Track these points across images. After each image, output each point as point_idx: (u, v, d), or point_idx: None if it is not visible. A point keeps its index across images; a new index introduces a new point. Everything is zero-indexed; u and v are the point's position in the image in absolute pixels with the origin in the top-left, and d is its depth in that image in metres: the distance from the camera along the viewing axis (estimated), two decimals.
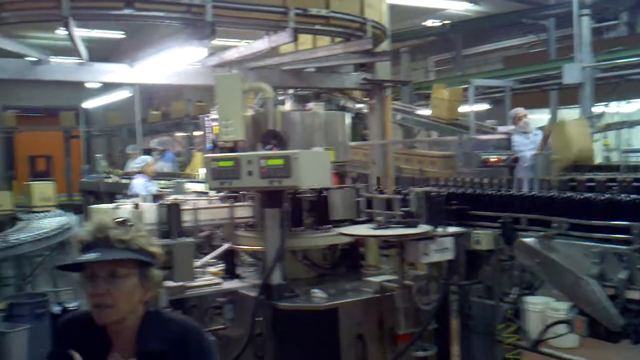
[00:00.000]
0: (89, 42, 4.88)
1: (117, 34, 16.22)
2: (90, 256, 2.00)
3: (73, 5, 4.11)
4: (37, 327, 6.79)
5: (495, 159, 8.68)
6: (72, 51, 4.85)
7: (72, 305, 7.56)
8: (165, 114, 17.35)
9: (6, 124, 18.62)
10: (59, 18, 4.16)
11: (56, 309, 7.40)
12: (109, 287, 2.00)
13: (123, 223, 2.08)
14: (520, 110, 9.84)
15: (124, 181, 11.61)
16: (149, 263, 2.07)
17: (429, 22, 16.45)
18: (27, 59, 5.11)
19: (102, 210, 4.66)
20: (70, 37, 4.44)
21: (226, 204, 4.85)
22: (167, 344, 2.05)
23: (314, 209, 4.77)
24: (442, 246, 4.04)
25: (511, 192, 4.17)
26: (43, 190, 9.46)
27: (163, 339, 2.07)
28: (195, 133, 15.32)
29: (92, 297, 2.01)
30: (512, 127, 9.67)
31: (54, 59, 5.00)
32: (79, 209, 11.99)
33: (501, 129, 10.39)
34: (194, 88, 13.18)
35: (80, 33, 4.64)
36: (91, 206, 5.12)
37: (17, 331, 6.51)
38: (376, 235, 4.19)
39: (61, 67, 5.03)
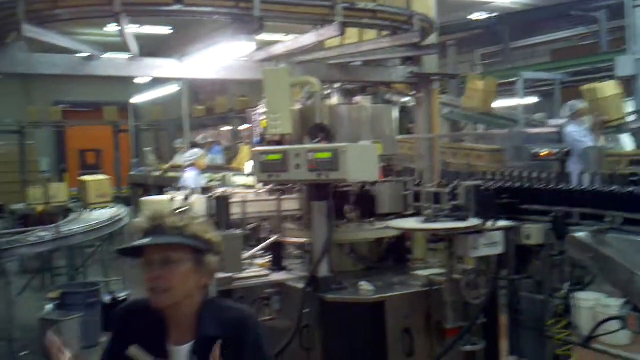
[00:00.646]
0: (137, 38, 4.97)
1: (165, 30, 16.43)
2: (143, 241, 2.09)
3: (124, 1, 4.18)
4: (89, 315, 7.00)
5: (546, 152, 8.50)
6: (120, 47, 4.94)
7: (122, 294, 7.76)
8: (209, 108, 17.53)
9: (56, 118, 19.09)
10: (110, 14, 4.24)
11: (106, 298, 7.60)
12: (163, 272, 2.07)
13: (179, 211, 2.14)
14: (581, 105, 9.55)
15: (171, 174, 11.80)
16: (203, 250, 2.11)
17: (476, 15, 16.22)
18: (78, 54, 5.23)
19: (153, 202, 4.74)
20: (122, 33, 4.53)
21: (274, 197, 4.89)
22: (225, 329, 2.10)
23: (361, 202, 4.77)
24: (491, 240, 3.99)
25: (562, 186, 4.10)
26: (99, 186, 9.41)
27: (221, 324, 2.13)
28: (241, 127, 15.45)
29: (148, 281, 2.09)
30: (564, 120, 9.46)
31: (106, 55, 5.11)
32: (128, 202, 12.24)
33: (552, 122, 10.18)
34: (239, 83, 13.28)
35: (129, 29, 4.71)
36: (142, 198, 5.22)
37: (70, 319, 6.71)
38: (425, 228, 4.16)
39: (113, 62, 5.14)
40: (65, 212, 9.88)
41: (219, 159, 12.81)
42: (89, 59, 4.94)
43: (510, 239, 4.14)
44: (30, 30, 4.26)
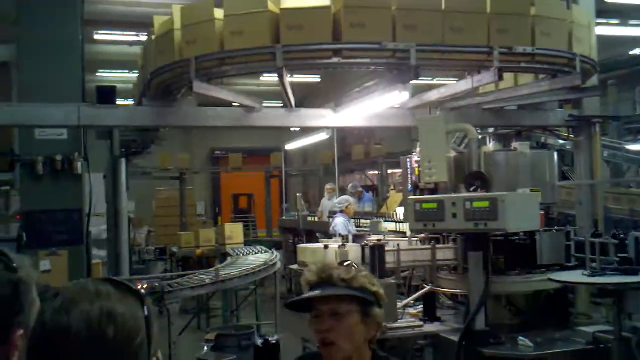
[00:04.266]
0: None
1: (314, 78, 16.99)
2: (313, 293, 2.12)
3: (286, 57, 4.36)
4: (243, 358, 7.18)
5: None
6: (274, 95, 5.11)
7: (274, 338, 7.91)
8: (346, 154, 17.76)
9: (212, 164, 20.20)
10: (273, 69, 4.44)
11: (259, 341, 7.77)
12: (332, 324, 2.08)
13: (345, 264, 2.17)
14: None
15: (311, 219, 12.01)
16: (370, 301, 2.11)
17: (638, 51, 15.36)
18: (234, 105, 5.50)
19: (310, 250, 4.84)
20: (283, 86, 4.72)
21: (428, 246, 4.83)
22: None
23: (520, 253, 4.60)
24: None
25: None
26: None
27: None
28: (390, 171, 15.51)
29: (317, 333, 2.11)
30: None
31: (265, 105, 5.34)
32: (279, 246, 12.55)
33: None
34: (386, 128, 13.36)
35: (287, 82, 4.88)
36: (299, 245, 5.35)
37: None
38: (591, 283, 3.94)
39: (272, 113, 5.36)
40: (223, 255, 10.30)
41: (368, 206, 12.88)
42: (250, 110, 5.18)
43: None
44: (201, 87, 4.56)
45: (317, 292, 2.10)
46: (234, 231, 10.96)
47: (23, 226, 7.74)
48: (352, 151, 17.37)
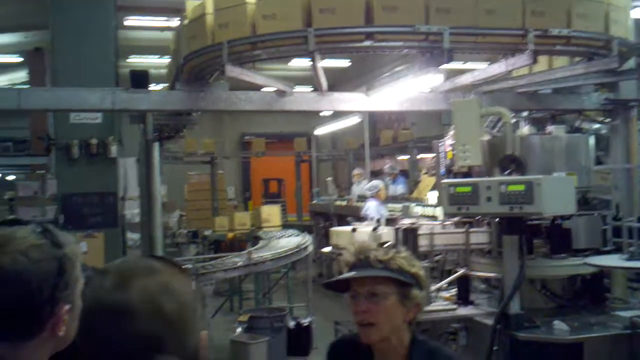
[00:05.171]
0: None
1: (344, 63, 16.92)
2: (349, 274, 2.13)
3: (318, 40, 4.36)
4: (275, 339, 7.27)
5: None
6: (302, 81, 5.11)
7: (305, 320, 7.97)
8: (376, 139, 17.71)
9: (243, 149, 20.29)
10: (305, 53, 4.44)
11: (291, 323, 7.85)
12: (369, 305, 2.09)
13: (384, 245, 2.17)
14: None
15: (340, 203, 12.01)
16: (408, 283, 2.11)
17: None
18: (264, 89, 5.49)
19: (343, 233, 4.86)
20: (314, 69, 4.72)
21: (461, 229, 4.81)
22: None
23: (554, 237, 4.56)
24: None
25: None
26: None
27: None
28: (420, 156, 15.44)
29: (354, 314, 2.12)
30: None
31: (296, 90, 5.35)
32: (310, 230, 12.60)
33: None
34: (417, 112, 13.27)
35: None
36: (332, 228, 5.38)
37: (258, 342, 7.01)
38: (629, 267, 3.89)
39: (304, 97, 5.36)
40: (255, 239, 10.39)
41: (401, 189, 12.84)
42: (281, 94, 5.20)
43: None
44: (233, 71, 4.59)
45: (352, 273, 2.12)
46: (271, 213, 10.93)
47: (60, 208, 7.90)
48: (380, 136, 17.33)
